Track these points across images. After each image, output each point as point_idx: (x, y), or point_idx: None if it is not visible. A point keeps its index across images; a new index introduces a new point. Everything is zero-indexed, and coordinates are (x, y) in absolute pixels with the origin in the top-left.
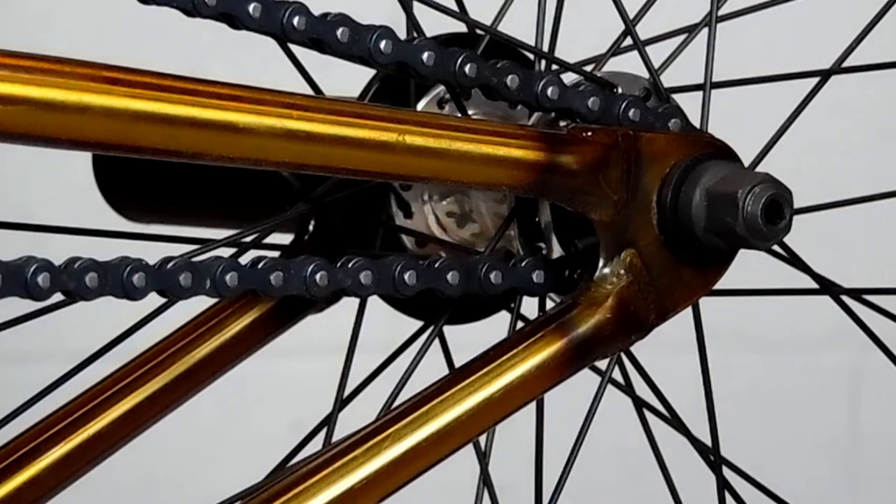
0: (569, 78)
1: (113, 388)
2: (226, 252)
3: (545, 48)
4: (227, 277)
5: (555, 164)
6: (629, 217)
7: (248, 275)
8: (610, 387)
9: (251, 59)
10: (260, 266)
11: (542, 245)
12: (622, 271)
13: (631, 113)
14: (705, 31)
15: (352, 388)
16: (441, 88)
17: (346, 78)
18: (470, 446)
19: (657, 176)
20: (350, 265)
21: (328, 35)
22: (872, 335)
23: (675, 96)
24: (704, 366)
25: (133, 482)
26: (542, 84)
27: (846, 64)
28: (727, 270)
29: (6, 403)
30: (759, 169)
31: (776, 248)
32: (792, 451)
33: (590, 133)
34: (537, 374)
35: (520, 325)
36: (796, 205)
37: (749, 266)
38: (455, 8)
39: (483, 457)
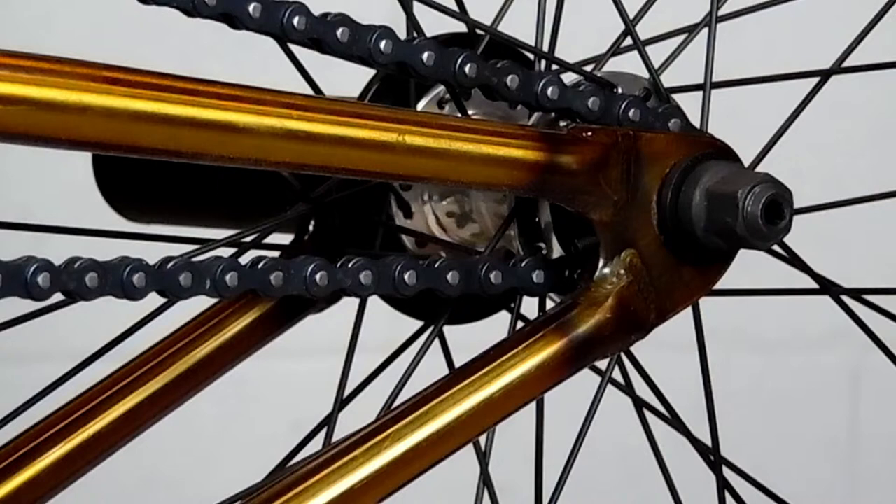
0: (569, 78)
1: (113, 388)
2: (226, 252)
3: (545, 48)
4: (227, 277)
5: (555, 164)
6: (629, 217)
7: (248, 275)
8: (610, 387)
9: (251, 59)
10: (260, 266)
11: (542, 245)
12: (622, 271)
13: (631, 113)
14: (705, 31)
15: (352, 388)
16: (441, 88)
17: (346, 78)
18: (470, 446)
19: (657, 176)
20: (350, 265)
21: (328, 35)
22: (872, 335)
23: (675, 96)
24: (704, 366)
25: (133, 482)
26: (542, 84)
27: (846, 64)
28: (727, 270)
29: (6, 403)
30: (759, 169)
31: (776, 248)
32: (792, 451)
33: (590, 133)
34: (537, 374)
35: (520, 325)
36: (796, 205)
37: (749, 266)
38: (455, 8)
39: (483, 457)
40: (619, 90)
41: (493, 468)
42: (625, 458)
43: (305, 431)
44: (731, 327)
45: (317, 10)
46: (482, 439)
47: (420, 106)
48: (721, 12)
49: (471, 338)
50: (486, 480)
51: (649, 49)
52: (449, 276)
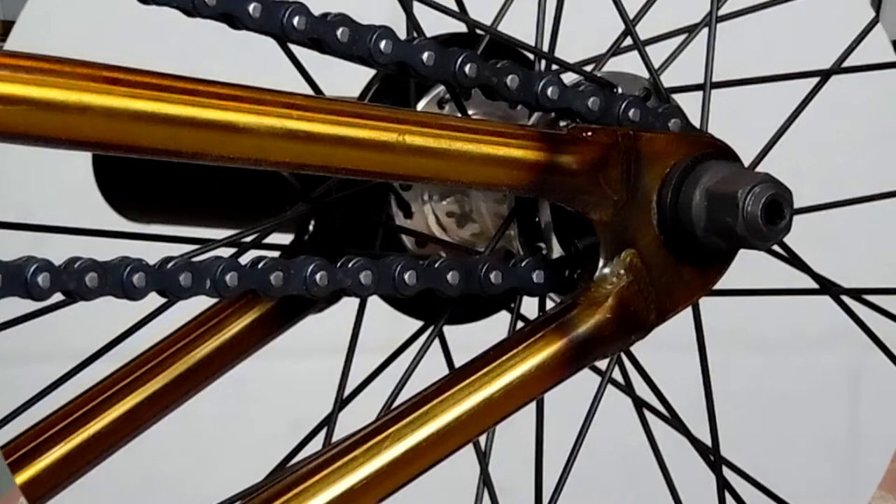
0: (569, 78)
1: (113, 388)
2: (226, 252)
3: (545, 48)
4: (227, 277)
5: (555, 164)
6: (629, 217)
7: (248, 275)
8: (610, 387)
9: (251, 59)
10: (260, 266)
11: (542, 245)
12: (622, 271)
13: (631, 113)
14: (705, 31)
15: (352, 388)
16: (441, 88)
17: (346, 78)
18: (470, 446)
19: (657, 176)
20: (350, 265)
21: (328, 35)
22: (872, 335)
23: (675, 96)
24: (704, 366)
25: (133, 482)
26: (542, 84)
27: (846, 64)
28: (727, 270)
29: (6, 403)
30: (759, 169)
31: (776, 248)
32: (792, 451)
33: (590, 133)
34: (537, 374)
35: (520, 325)
36: (796, 205)
37: (749, 266)
38: (455, 8)
39: (483, 457)
40: (619, 90)
41: (493, 468)
42: (625, 458)
43: (305, 431)
44: (731, 327)
45: (317, 10)
46: (482, 439)
47: (420, 106)
48: (721, 12)
49: (471, 338)
50: (486, 480)
51: (649, 49)
52: (449, 276)
